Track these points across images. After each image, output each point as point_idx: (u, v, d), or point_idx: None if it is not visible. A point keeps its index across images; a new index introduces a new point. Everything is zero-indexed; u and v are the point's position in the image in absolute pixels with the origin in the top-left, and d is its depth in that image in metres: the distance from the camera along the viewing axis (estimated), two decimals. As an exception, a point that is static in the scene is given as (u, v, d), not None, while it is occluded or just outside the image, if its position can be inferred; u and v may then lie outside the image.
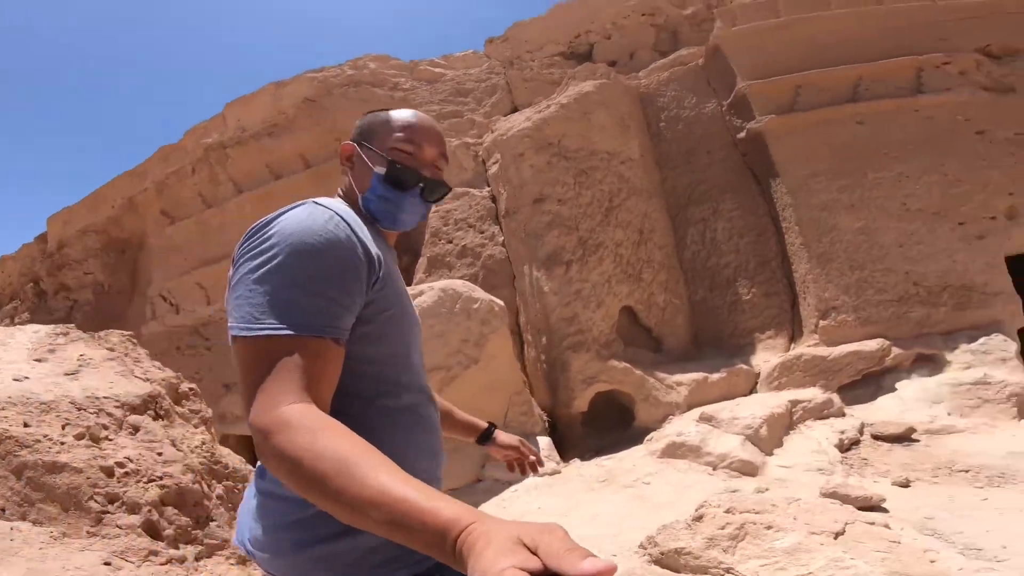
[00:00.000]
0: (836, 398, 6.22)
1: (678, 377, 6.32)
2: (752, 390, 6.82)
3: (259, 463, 0.90)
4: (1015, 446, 4.97)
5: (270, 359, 0.77)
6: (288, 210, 0.90)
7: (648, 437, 5.78)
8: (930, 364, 6.36)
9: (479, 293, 4.98)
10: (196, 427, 3.02)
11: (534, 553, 0.47)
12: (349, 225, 0.89)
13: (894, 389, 6.24)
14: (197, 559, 2.27)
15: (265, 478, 0.93)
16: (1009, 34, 7.87)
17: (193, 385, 3.18)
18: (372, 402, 0.93)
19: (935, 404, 5.71)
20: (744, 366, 6.90)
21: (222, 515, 2.56)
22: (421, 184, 1.05)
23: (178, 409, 3.01)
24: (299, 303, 0.81)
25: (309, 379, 0.77)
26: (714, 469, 4.99)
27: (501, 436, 1.46)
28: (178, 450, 2.65)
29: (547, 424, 6.50)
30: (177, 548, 2.20)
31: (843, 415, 6.07)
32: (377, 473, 0.62)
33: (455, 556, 0.53)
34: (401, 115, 1.08)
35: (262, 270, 0.82)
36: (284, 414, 0.72)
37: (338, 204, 0.96)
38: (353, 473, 0.63)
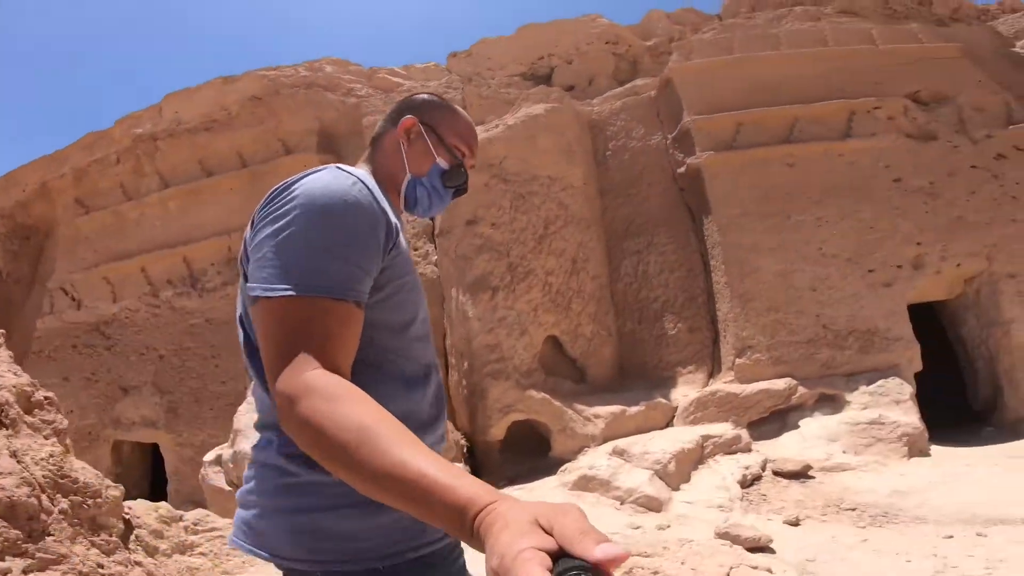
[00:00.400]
0: (745, 434, 6.42)
1: (596, 409, 6.38)
2: (669, 423, 6.95)
3: (257, 439, 0.94)
4: (900, 485, 5.24)
5: (293, 321, 0.77)
6: (310, 173, 0.90)
7: (562, 468, 5.80)
8: (832, 403, 6.66)
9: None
10: (47, 438, 2.85)
11: (549, 534, 0.48)
12: (371, 191, 0.90)
13: (798, 426, 6.49)
14: (25, 572, 2.17)
15: (261, 449, 0.93)
16: (939, 80, 8.44)
17: (50, 394, 3.00)
18: (378, 369, 0.93)
19: (832, 442, 5.97)
20: (663, 400, 7.04)
21: (64, 530, 2.49)
22: (459, 186, 1.12)
23: (27, 419, 2.83)
24: (322, 265, 0.81)
25: (332, 343, 0.77)
26: (622, 503, 5.03)
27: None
28: (18, 462, 2.52)
29: (465, 450, 6.41)
30: (3, 560, 2.11)
31: (750, 450, 6.26)
32: (399, 447, 0.62)
33: (472, 535, 0.53)
34: (464, 117, 1.15)
35: (286, 232, 0.82)
36: (308, 380, 0.72)
37: (359, 171, 0.96)
38: (374, 445, 0.63)
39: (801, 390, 6.75)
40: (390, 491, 0.61)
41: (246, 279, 0.89)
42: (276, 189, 0.89)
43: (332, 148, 11.34)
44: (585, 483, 5.29)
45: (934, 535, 4.17)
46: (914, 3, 15.77)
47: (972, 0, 14.47)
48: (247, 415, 5.07)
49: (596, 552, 0.44)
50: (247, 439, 4.85)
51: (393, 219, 0.93)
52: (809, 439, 6.16)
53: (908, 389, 6.40)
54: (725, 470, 5.80)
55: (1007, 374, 6.77)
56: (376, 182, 0.98)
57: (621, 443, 5.74)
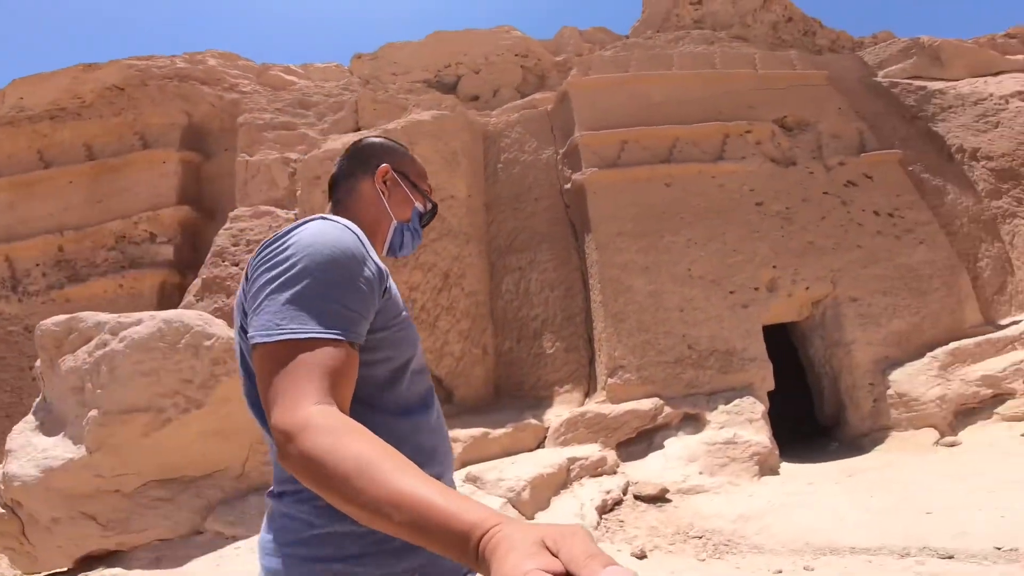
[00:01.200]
0: (612, 455, 6.37)
1: (456, 432, 6.08)
2: (540, 445, 6.79)
3: (271, 490, 0.98)
4: (747, 507, 5.33)
5: (290, 363, 0.80)
6: (301, 224, 0.95)
7: None
8: (695, 422, 6.78)
9: (217, 328, 4.32)
10: None
11: (556, 556, 0.48)
12: (360, 239, 0.96)
13: (663, 446, 6.53)
14: None
15: (278, 499, 0.95)
16: (804, 107, 8.96)
17: None
18: (375, 408, 0.96)
19: (691, 463, 6.03)
20: (534, 421, 6.87)
21: None
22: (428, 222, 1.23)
23: None
24: (318, 309, 0.84)
25: (329, 381, 0.80)
26: None
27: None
28: None
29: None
30: None
31: (615, 473, 6.21)
32: (399, 475, 0.63)
33: (477, 559, 0.53)
34: (417, 158, 1.23)
35: (281, 279, 0.87)
36: (306, 415, 0.74)
37: (346, 221, 1.00)
38: (374, 475, 0.64)
39: (667, 410, 6.82)
40: (393, 519, 0.60)
41: (243, 332, 0.94)
42: (268, 240, 0.94)
43: (199, 145, 10.44)
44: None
45: (766, 569, 4.21)
46: (799, 33, 17.09)
47: (850, 33, 15.82)
48: (22, 434, 4.30)
49: (603, 574, 0.44)
50: (17, 459, 4.11)
51: (382, 264, 1.00)
52: (671, 460, 6.19)
53: (760, 408, 6.62)
54: (586, 495, 5.69)
55: (848, 392, 7.21)
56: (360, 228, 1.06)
57: (475, 469, 5.48)
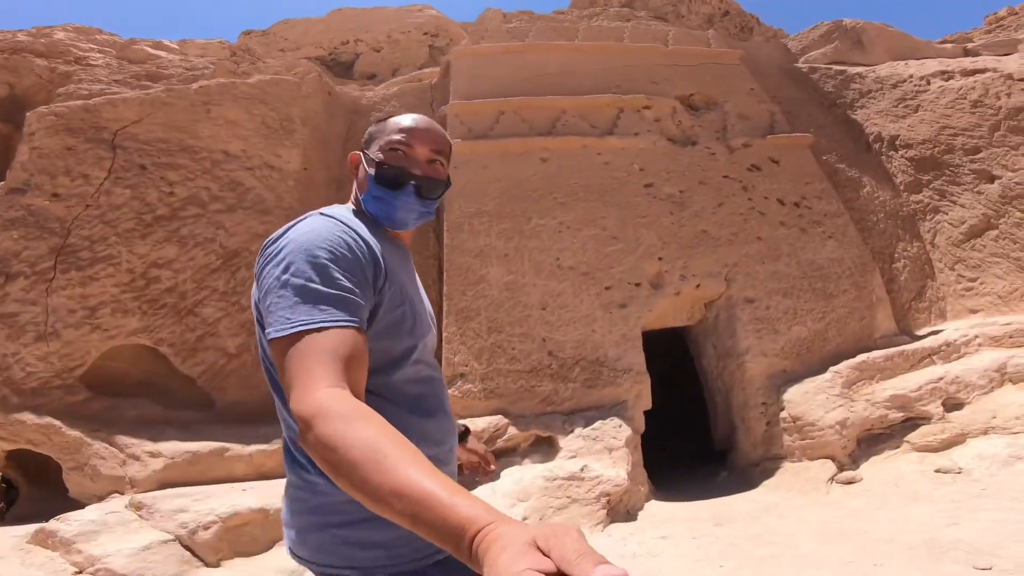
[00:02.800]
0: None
1: (160, 446, 4.50)
2: None
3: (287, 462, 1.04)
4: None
5: (303, 353, 0.84)
6: (297, 223, 1.01)
7: (59, 516, 3.92)
8: (548, 448, 5.38)
9: None
10: None
11: (548, 556, 0.48)
12: (354, 230, 1.01)
13: (499, 478, 5.09)
14: None
15: (291, 472, 1.04)
16: (714, 85, 7.80)
17: None
18: (379, 395, 1.00)
19: (520, 503, 4.60)
20: None
21: None
22: (413, 182, 1.11)
23: None
24: (322, 299, 0.89)
25: (342, 364, 0.83)
26: (80, 573, 3.32)
27: (472, 441, 1.53)
28: None
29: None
30: None
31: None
32: (404, 465, 0.64)
33: (471, 556, 0.54)
34: (397, 118, 1.18)
35: (283, 277, 0.92)
36: (320, 400, 0.76)
37: (341, 211, 1.08)
38: (381, 463, 0.65)
39: (512, 431, 5.40)
40: (394, 509, 0.62)
41: (260, 327, 1.00)
42: (266, 243, 1.00)
43: (17, 117, 8.81)
44: (44, 537, 3.81)
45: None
46: (736, 28, 16.28)
47: (788, 32, 15.09)
48: None
49: (594, 574, 0.45)
50: None
51: (379, 253, 1.02)
52: (499, 497, 4.74)
53: (626, 432, 5.27)
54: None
55: (740, 412, 5.96)
56: (362, 217, 1.11)
57: (147, 497, 3.98)
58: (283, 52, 13.83)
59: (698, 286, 6.23)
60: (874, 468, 5.06)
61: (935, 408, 5.50)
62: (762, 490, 5.16)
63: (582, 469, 4.82)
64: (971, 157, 7.78)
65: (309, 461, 0.99)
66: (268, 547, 3.78)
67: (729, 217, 6.58)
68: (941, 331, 6.72)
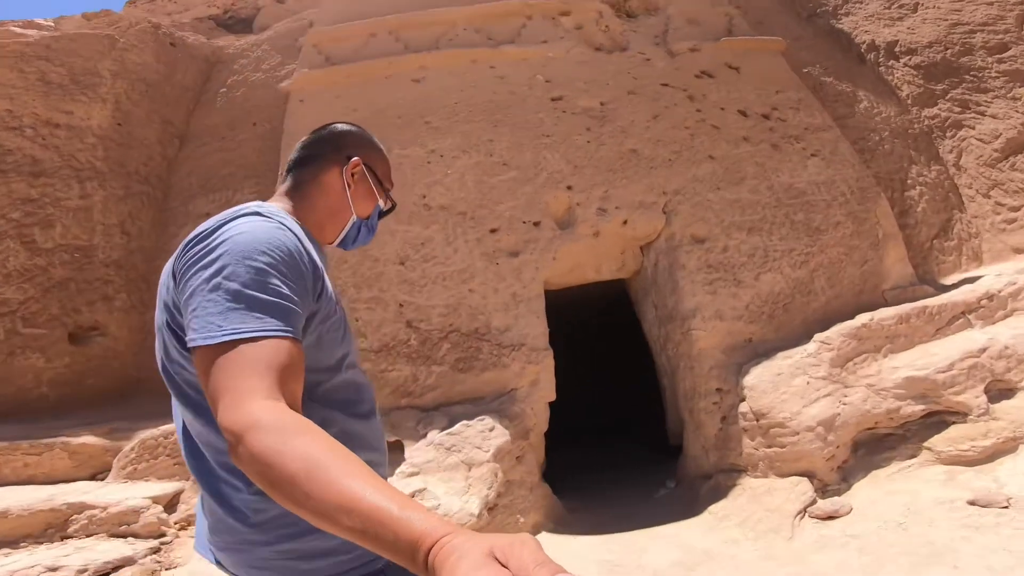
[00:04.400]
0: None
1: None
2: (100, 474, 3.57)
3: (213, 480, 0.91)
4: None
5: (235, 363, 0.75)
6: (231, 219, 0.88)
7: None
8: (396, 455, 3.57)
9: None
10: None
11: (505, 566, 0.47)
12: (295, 235, 0.90)
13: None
14: None
15: (216, 492, 0.91)
16: None
17: None
18: (315, 402, 0.92)
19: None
20: (91, 439, 3.61)
21: None
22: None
23: None
24: (257, 306, 0.79)
25: (276, 376, 0.75)
26: None
27: None
28: None
29: None
30: None
31: (161, 536, 2.94)
32: (349, 479, 0.60)
33: (427, 569, 0.52)
34: (386, 155, 1.18)
35: (214, 280, 0.80)
36: (253, 413, 0.69)
37: (278, 211, 0.95)
38: (322, 478, 0.61)
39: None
40: (341, 525, 0.58)
41: (171, 331, 0.88)
42: (196, 236, 0.86)
43: None
44: None
45: None
46: None
47: None
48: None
49: None
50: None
51: (318, 261, 0.93)
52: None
53: (497, 439, 3.44)
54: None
55: (687, 402, 4.11)
56: (302, 219, 1.01)
57: None
58: (169, 16, 12.51)
59: (625, 222, 4.42)
60: (873, 491, 3.17)
61: (975, 397, 3.62)
62: (702, 522, 3.27)
63: (415, 495, 3.01)
64: (997, 57, 5.95)
65: (243, 480, 0.85)
66: None
67: (669, 132, 4.78)
68: (978, 278, 4.84)
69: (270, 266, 0.82)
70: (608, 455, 5.88)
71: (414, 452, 3.44)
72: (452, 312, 4.09)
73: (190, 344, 0.79)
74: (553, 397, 3.97)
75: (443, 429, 3.53)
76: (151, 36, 6.16)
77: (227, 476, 0.89)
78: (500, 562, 0.47)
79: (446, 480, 3.17)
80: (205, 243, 0.84)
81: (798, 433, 3.31)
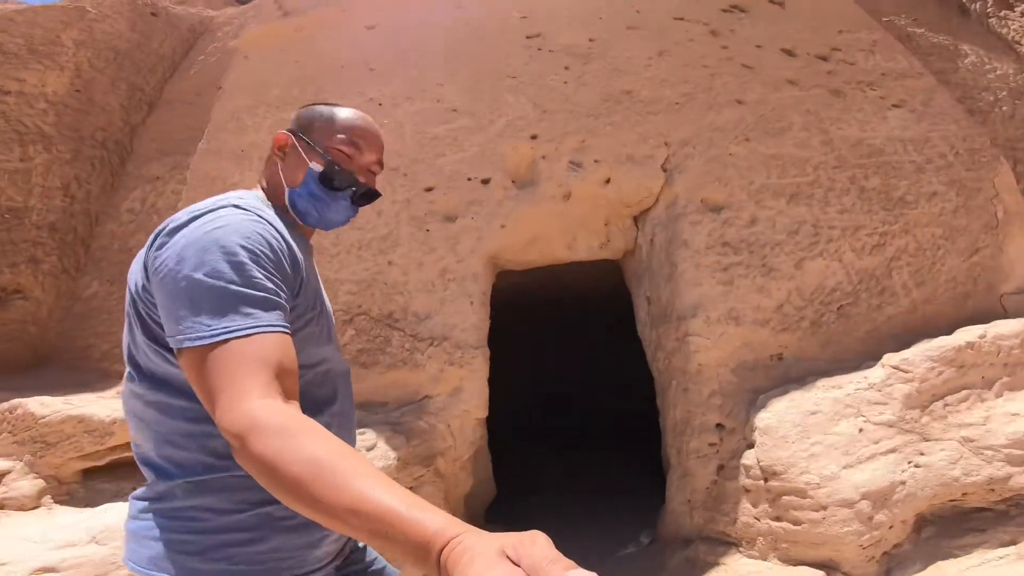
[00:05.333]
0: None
1: None
2: None
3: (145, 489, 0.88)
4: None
5: (228, 362, 0.72)
6: (207, 211, 0.83)
7: None
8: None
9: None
10: None
11: (518, 565, 0.47)
12: (273, 226, 0.87)
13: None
14: None
15: (154, 494, 0.86)
16: None
17: None
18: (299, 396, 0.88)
19: None
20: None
21: None
22: (353, 188, 1.02)
23: None
24: (246, 303, 0.76)
25: (272, 373, 0.73)
26: None
27: None
28: None
29: None
30: None
31: None
32: (356, 480, 0.59)
33: (439, 569, 0.51)
34: (345, 115, 1.03)
35: (195, 276, 0.76)
36: (253, 412, 0.68)
37: (255, 203, 0.90)
38: (330, 480, 0.60)
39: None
40: (351, 525, 0.58)
41: (140, 323, 0.83)
42: (166, 230, 0.81)
43: None
44: None
45: None
46: None
47: None
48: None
49: None
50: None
51: (297, 253, 0.89)
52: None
53: (379, 464, 2.34)
54: None
55: (675, 435, 2.81)
56: (276, 208, 0.97)
57: None
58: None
59: (608, 181, 3.23)
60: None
61: None
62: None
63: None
64: None
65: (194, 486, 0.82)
66: None
67: (679, 70, 3.57)
68: None
69: (250, 259, 0.78)
70: (603, 471, 4.73)
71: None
72: (365, 290, 3.08)
73: (177, 346, 0.76)
74: (484, 414, 2.82)
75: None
76: (128, 6, 5.95)
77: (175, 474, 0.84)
78: (512, 560, 0.46)
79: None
80: (176, 236, 0.79)
81: (825, 508, 1.97)
